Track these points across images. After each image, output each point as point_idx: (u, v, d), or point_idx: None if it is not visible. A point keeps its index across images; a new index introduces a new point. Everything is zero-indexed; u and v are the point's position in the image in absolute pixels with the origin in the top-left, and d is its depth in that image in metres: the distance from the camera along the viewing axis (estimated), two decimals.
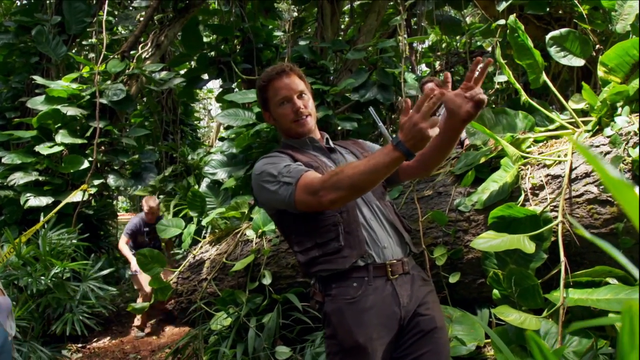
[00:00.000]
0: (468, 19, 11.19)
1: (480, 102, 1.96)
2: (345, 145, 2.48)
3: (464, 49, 10.17)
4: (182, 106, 11.95)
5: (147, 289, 6.44)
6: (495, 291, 3.39)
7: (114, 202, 15.31)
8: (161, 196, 10.11)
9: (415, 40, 6.06)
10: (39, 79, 7.41)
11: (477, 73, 2.00)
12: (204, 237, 5.78)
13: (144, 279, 6.46)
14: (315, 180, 1.98)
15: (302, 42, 7.22)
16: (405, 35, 6.97)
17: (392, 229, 2.25)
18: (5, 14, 10.30)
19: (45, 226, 5.80)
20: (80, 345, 6.80)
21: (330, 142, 2.40)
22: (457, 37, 9.98)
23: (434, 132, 1.77)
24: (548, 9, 4.82)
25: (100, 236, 8.09)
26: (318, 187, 1.94)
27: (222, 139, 7.89)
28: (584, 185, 3.30)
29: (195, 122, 13.51)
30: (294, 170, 2.08)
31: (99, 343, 6.89)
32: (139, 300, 6.86)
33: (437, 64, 11.09)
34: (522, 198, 3.51)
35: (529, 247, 3.10)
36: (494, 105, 5.74)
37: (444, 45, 10.60)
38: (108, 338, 6.94)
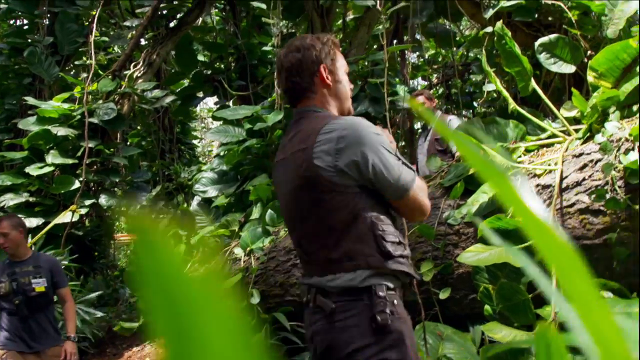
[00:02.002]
0: (467, 31, 11.11)
1: None
2: None
3: (460, 62, 10.09)
4: (180, 125, 11.89)
5: None
6: (486, 307, 3.26)
7: (117, 222, 15.26)
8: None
9: (397, 49, 5.98)
10: (31, 100, 7.36)
11: None
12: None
13: None
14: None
15: None
16: (390, 44, 6.89)
17: None
18: None
19: (33, 248, 5.69)
20: None
21: None
22: (454, 49, 9.89)
23: None
24: (537, 16, 4.74)
25: (94, 257, 7.98)
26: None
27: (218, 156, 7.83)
28: (576, 195, 3.19)
29: (194, 141, 13.42)
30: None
31: None
32: None
33: (434, 77, 11.01)
34: (511, 209, 3.39)
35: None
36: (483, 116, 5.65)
37: (440, 59, 10.52)
38: None
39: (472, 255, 3.07)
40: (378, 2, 3.74)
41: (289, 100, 2.17)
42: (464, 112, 9.89)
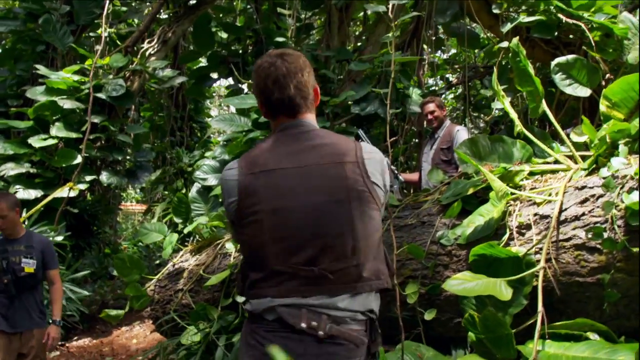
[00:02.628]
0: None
1: None
2: None
3: (483, 63, 9.87)
4: (193, 102, 11.77)
5: None
6: (470, 334, 3.15)
7: (123, 194, 15.25)
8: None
9: (403, 60, 5.80)
10: (41, 69, 7.29)
11: None
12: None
13: None
14: None
15: (306, 50, 7.00)
16: (410, 43, 6.73)
17: None
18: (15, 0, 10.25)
19: (27, 222, 5.65)
20: (60, 343, 6.68)
21: None
22: (476, 51, 9.69)
23: None
24: (557, 33, 4.56)
25: (92, 232, 7.95)
26: None
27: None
28: (573, 229, 3.06)
29: (207, 119, 13.31)
30: None
31: (79, 342, 6.76)
32: None
33: (454, 77, 10.80)
34: (506, 237, 3.27)
35: (505, 293, 2.87)
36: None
37: (462, 59, 10.30)
38: (89, 338, 6.81)
39: (459, 284, 2.96)
40: (390, 9, 3.62)
41: (288, 110, 1.90)
42: (481, 116, 9.74)
